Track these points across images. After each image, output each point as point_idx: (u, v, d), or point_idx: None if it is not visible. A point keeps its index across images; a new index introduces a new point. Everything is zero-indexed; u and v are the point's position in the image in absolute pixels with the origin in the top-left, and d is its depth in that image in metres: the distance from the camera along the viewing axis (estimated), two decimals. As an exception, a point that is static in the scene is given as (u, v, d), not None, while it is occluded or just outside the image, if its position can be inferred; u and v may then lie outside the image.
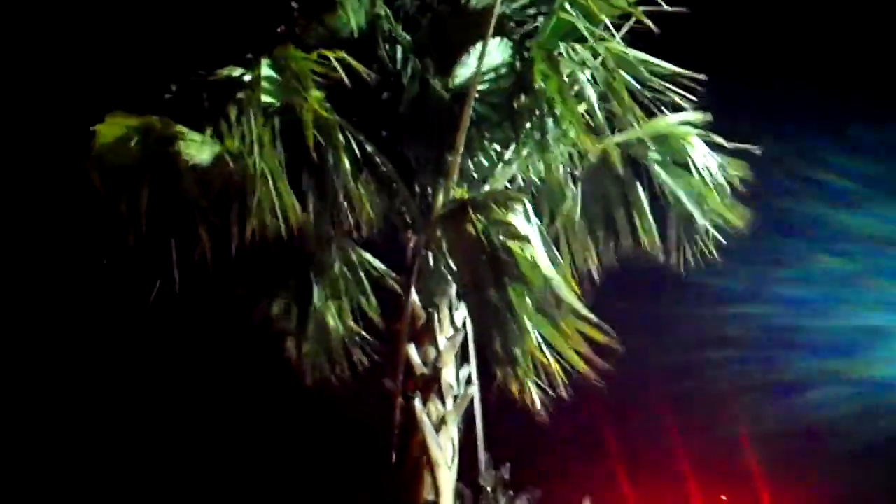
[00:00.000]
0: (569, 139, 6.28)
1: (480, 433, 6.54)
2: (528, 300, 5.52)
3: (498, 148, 6.70)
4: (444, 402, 6.23)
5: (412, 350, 6.28)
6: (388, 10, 6.59)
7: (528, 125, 6.39)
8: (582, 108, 6.12)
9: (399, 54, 6.60)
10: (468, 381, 6.38)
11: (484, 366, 6.20)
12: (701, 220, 6.45)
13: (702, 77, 6.09)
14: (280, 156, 5.67)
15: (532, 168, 6.70)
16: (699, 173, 6.34)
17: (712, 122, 6.31)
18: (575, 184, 6.68)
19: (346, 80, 5.60)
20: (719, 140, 6.33)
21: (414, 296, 6.33)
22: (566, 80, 6.03)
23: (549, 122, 6.19)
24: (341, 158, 5.79)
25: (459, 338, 6.40)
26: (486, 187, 6.56)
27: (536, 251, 5.53)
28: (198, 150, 5.78)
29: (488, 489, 9.38)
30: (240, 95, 5.67)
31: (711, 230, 6.48)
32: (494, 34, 6.16)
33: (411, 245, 6.45)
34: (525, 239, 5.53)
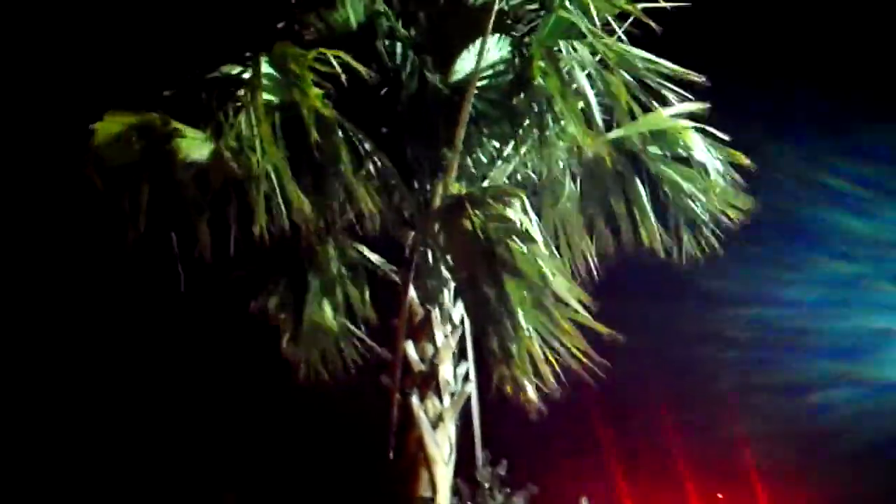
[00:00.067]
0: (568, 135, 6.28)
1: (477, 430, 6.54)
2: (525, 296, 5.51)
3: (497, 144, 6.70)
4: (441, 399, 6.23)
5: (410, 347, 6.28)
6: (388, 7, 6.59)
7: (526, 122, 6.39)
8: (581, 104, 6.11)
9: (398, 50, 6.60)
10: (465, 378, 6.38)
11: (481, 363, 6.20)
12: (701, 214, 6.46)
13: (700, 78, 6.10)
14: (283, 153, 5.66)
15: (531, 164, 6.70)
16: (697, 167, 6.35)
17: (715, 121, 6.32)
18: (573, 180, 6.68)
19: (344, 79, 5.59)
20: (718, 134, 6.34)
21: (412, 292, 6.33)
22: (566, 77, 6.03)
23: (549, 118, 6.18)
24: (340, 155, 5.78)
25: (457, 334, 6.40)
26: (485, 184, 6.56)
27: (534, 247, 5.53)
28: (197, 147, 5.78)
29: (485, 486, 9.40)
30: (239, 93, 5.66)
31: (710, 225, 6.49)
32: (494, 31, 6.16)
33: (409, 241, 6.45)
34: (523, 234, 5.53)
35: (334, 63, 5.54)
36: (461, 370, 6.40)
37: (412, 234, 6.44)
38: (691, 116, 6.31)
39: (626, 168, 6.54)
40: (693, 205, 6.49)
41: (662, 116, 6.27)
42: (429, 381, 6.25)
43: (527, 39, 6.32)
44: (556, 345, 5.51)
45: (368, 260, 6.90)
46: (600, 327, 5.41)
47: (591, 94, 5.98)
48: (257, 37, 5.99)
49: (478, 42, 6.17)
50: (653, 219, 6.55)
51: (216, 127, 5.66)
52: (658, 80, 6.15)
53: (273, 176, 5.59)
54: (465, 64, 6.47)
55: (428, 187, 6.46)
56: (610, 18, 6.00)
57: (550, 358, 5.52)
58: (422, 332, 6.34)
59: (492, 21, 5.98)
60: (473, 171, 6.64)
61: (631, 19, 5.97)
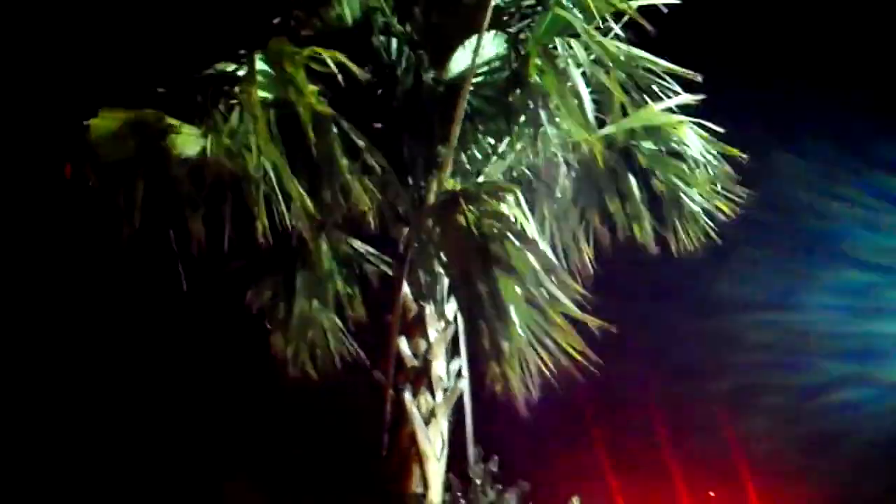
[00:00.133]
0: (563, 131, 6.29)
1: (470, 426, 6.56)
2: (518, 293, 5.52)
3: (492, 141, 6.70)
4: (433, 395, 6.25)
5: (403, 342, 6.29)
6: (383, 3, 6.58)
7: (522, 118, 6.39)
8: (576, 102, 6.11)
9: (394, 46, 6.59)
10: (458, 375, 6.39)
11: (475, 359, 6.21)
12: (695, 209, 6.48)
13: (697, 77, 6.11)
14: (280, 149, 5.66)
15: (525, 161, 6.71)
16: (691, 162, 6.36)
17: (720, 125, 6.34)
18: (568, 176, 6.69)
19: (339, 77, 5.59)
20: (714, 127, 6.36)
21: (405, 288, 6.33)
22: (561, 74, 6.03)
23: (544, 115, 6.19)
24: (335, 151, 5.78)
25: (450, 331, 6.41)
26: (480, 180, 6.57)
27: (528, 243, 5.54)
28: (192, 143, 5.77)
29: (477, 482, 9.39)
30: (235, 90, 5.66)
31: (705, 220, 6.51)
32: (490, 27, 6.15)
33: (403, 237, 6.46)
34: (517, 231, 5.54)
35: (329, 63, 5.54)
36: (454, 366, 6.41)
37: (406, 229, 6.44)
38: (685, 111, 6.34)
39: (620, 164, 6.56)
40: (689, 201, 6.51)
41: (656, 112, 6.29)
42: (422, 377, 6.26)
43: (523, 36, 6.32)
44: (549, 342, 5.52)
45: (362, 255, 6.90)
46: (592, 320, 5.43)
47: (585, 91, 5.99)
48: (253, 33, 5.98)
49: (473, 38, 6.16)
50: (646, 215, 6.57)
51: (211, 124, 5.66)
52: (654, 78, 6.17)
53: (271, 173, 5.60)
54: (460, 60, 6.46)
55: (422, 183, 6.47)
56: (607, 17, 6.02)
57: (542, 355, 5.53)
58: (415, 327, 6.35)
59: (488, 17, 5.98)
60: (468, 167, 6.64)
61: (626, 18, 5.99)
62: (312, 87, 5.60)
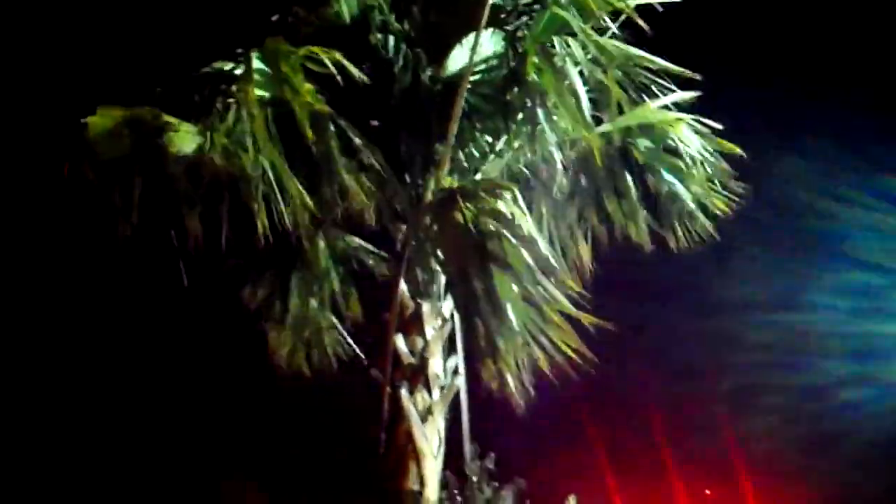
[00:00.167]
0: (560, 130, 6.30)
1: (466, 424, 6.57)
2: (515, 290, 5.53)
3: (489, 139, 6.70)
4: (430, 393, 6.26)
5: (400, 340, 6.30)
6: (381, 0, 6.58)
7: (520, 117, 6.40)
8: (574, 100, 6.12)
9: (391, 44, 6.59)
10: (455, 372, 6.40)
11: (471, 357, 6.22)
12: (691, 206, 6.50)
13: (695, 76, 6.13)
14: (278, 148, 5.66)
15: (523, 159, 6.71)
16: (688, 160, 6.37)
17: (724, 128, 6.36)
18: (566, 174, 6.70)
19: (337, 77, 5.59)
20: (711, 123, 6.38)
21: (403, 286, 6.34)
22: (559, 73, 6.04)
23: (541, 114, 6.20)
24: (333, 150, 5.79)
25: (447, 328, 6.42)
26: (478, 178, 6.57)
27: (525, 241, 5.55)
28: (189, 141, 5.78)
29: (474, 479, 9.40)
30: (232, 89, 5.67)
31: (701, 216, 6.53)
32: (487, 25, 6.16)
33: (401, 235, 6.46)
34: (514, 228, 5.55)
35: (327, 62, 5.55)
36: (451, 364, 6.42)
37: (404, 227, 6.45)
38: (684, 109, 6.35)
39: (618, 162, 6.57)
40: (686, 198, 6.52)
41: (654, 110, 6.30)
42: (418, 375, 6.27)
43: (520, 34, 6.33)
44: (546, 340, 5.53)
45: (359, 253, 6.91)
46: (588, 318, 5.44)
47: (582, 90, 6.00)
48: (250, 31, 5.98)
49: (471, 36, 6.16)
50: (643, 213, 6.58)
51: (208, 122, 5.66)
52: (652, 76, 6.18)
53: (269, 171, 5.60)
54: (458, 58, 6.46)
55: (420, 181, 6.47)
56: (604, 15, 6.02)
57: (538, 354, 5.54)
58: (412, 325, 6.36)
59: (486, 15, 5.99)
60: (466, 165, 6.65)
61: (624, 17, 6.00)
62: (309, 87, 5.61)
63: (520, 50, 6.27)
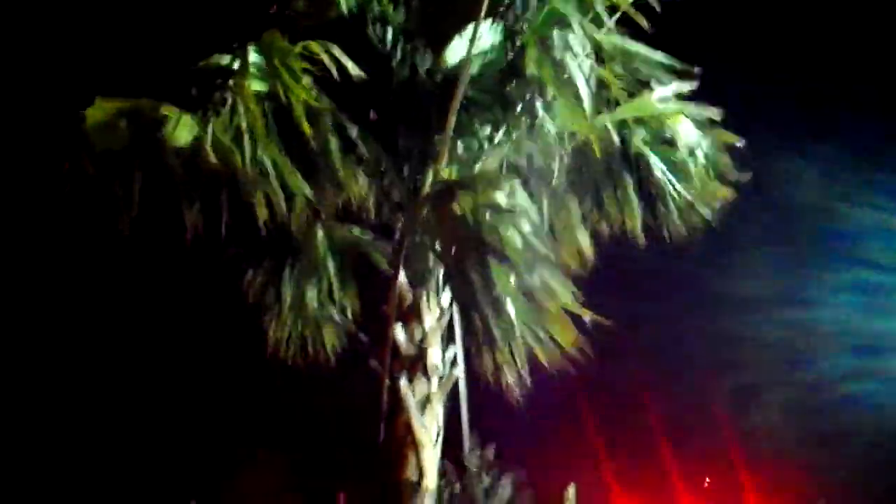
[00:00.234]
0: (559, 121, 6.31)
1: (465, 414, 6.60)
2: (512, 282, 5.56)
3: (487, 131, 6.70)
4: (429, 382, 6.28)
5: (399, 330, 6.32)
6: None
7: (518, 109, 6.40)
8: (572, 92, 6.13)
9: (389, 36, 6.59)
10: (454, 362, 6.42)
11: (470, 347, 6.24)
12: (689, 198, 6.51)
13: (694, 69, 6.14)
14: (276, 140, 5.68)
15: (521, 151, 6.72)
16: (686, 151, 6.39)
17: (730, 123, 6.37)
18: (563, 167, 6.71)
19: (334, 71, 5.60)
20: (713, 111, 6.39)
21: (401, 277, 6.36)
22: (558, 66, 6.05)
23: (540, 106, 6.21)
24: (330, 142, 5.81)
25: (446, 318, 6.44)
26: (476, 170, 6.58)
27: (523, 233, 5.57)
28: (187, 132, 5.78)
29: (472, 469, 9.45)
30: (230, 83, 5.68)
31: (699, 208, 6.55)
32: (486, 17, 6.16)
33: (399, 226, 6.48)
34: (512, 221, 5.57)
35: (324, 58, 5.56)
36: (450, 354, 6.44)
37: (402, 218, 6.47)
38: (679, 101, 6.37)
39: (616, 154, 6.59)
40: (684, 189, 6.54)
41: (652, 101, 6.32)
42: (417, 365, 6.30)
43: (518, 26, 6.33)
44: (543, 332, 5.55)
45: (358, 244, 6.92)
46: (584, 311, 5.47)
47: (582, 82, 6.01)
48: (248, 24, 5.99)
49: (470, 28, 6.16)
50: (639, 205, 6.60)
51: (206, 115, 5.68)
52: (651, 70, 6.20)
53: (267, 163, 5.62)
54: (456, 50, 6.46)
55: (418, 173, 6.48)
56: (603, 9, 6.04)
57: (536, 345, 5.57)
58: (411, 315, 6.39)
59: (484, 7, 5.99)
60: (464, 157, 6.66)
61: (619, 12, 6.02)
62: (305, 81, 5.62)
63: (518, 43, 6.26)
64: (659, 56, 6.15)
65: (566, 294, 5.58)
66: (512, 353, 5.59)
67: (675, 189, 6.59)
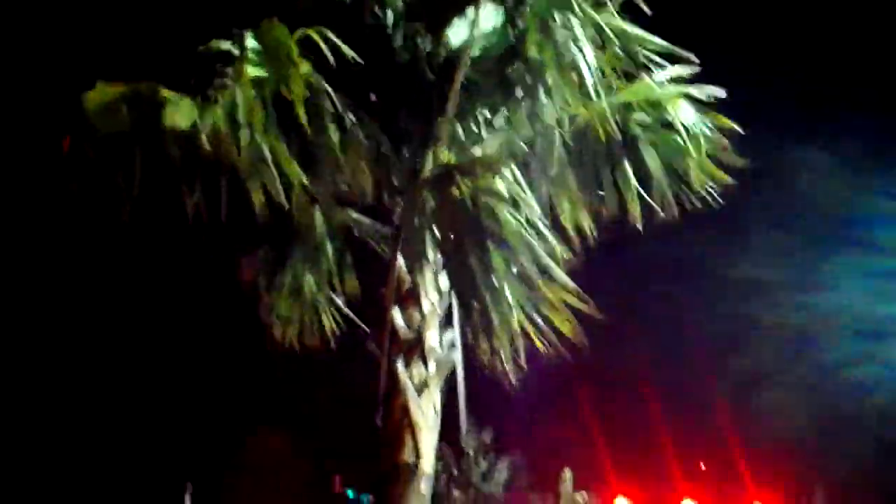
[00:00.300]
0: (559, 105, 6.29)
1: (463, 398, 6.60)
2: (511, 267, 5.56)
3: (487, 114, 6.69)
4: (426, 366, 6.29)
5: (397, 314, 6.33)
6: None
7: (519, 92, 6.38)
8: (574, 75, 6.12)
9: (390, 18, 6.56)
10: (451, 346, 6.43)
11: (468, 331, 6.25)
12: (687, 181, 6.51)
13: (693, 59, 6.12)
14: (276, 125, 5.66)
15: (522, 135, 6.70)
16: (686, 135, 6.38)
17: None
18: (565, 149, 6.70)
19: (331, 58, 5.58)
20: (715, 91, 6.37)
21: (400, 260, 6.36)
22: (559, 49, 6.03)
23: (541, 89, 6.19)
24: (328, 126, 5.80)
25: (444, 302, 6.45)
26: (476, 153, 6.57)
27: (522, 217, 5.57)
28: (187, 116, 5.77)
29: (470, 452, 9.47)
30: (228, 69, 5.66)
31: (701, 191, 6.54)
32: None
33: (398, 210, 6.47)
34: (511, 205, 5.56)
35: (322, 47, 5.54)
36: (448, 337, 6.45)
37: (401, 202, 6.45)
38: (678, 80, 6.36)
39: (616, 137, 6.57)
40: (684, 173, 6.53)
41: (652, 85, 6.30)
42: (415, 348, 6.31)
43: (520, 9, 6.30)
44: (541, 317, 5.56)
45: (356, 227, 6.91)
46: (583, 297, 5.47)
47: (584, 65, 5.99)
48: (247, 7, 5.96)
49: (471, 11, 6.13)
50: (636, 189, 6.59)
51: (206, 100, 5.66)
52: (652, 55, 6.18)
53: (265, 148, 5.61)
54: (457, 33, 6.43)
55: (418, 157, 6.47)
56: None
57: (533, 329, 5.58)
58: (409, 299, 6.39)
59: (485, -11, 5.97)
60: (464, 140, 6.64)
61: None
62: (305, 66, 5.60)
63: (520, 25, 6.24)
64: (659, 42, 6.13)
65: (564, 279, 5.58)
66: (510, 338, 5.59)
67: (675, 173, 6.58)
